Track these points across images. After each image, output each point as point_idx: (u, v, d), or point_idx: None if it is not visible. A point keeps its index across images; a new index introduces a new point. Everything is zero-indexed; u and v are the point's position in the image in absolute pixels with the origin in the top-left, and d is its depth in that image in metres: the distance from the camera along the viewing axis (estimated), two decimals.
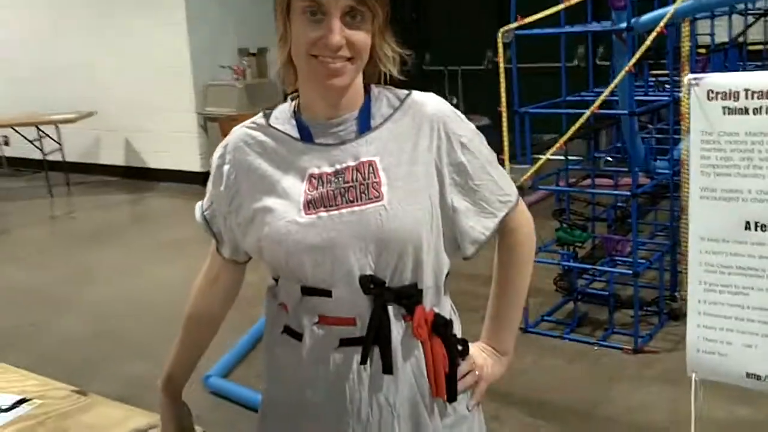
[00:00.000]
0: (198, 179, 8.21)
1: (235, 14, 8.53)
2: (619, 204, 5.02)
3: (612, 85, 3.75)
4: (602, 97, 3.77)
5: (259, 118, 1.50)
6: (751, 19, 5.40)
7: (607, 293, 4.39)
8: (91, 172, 9.36)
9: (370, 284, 1.36)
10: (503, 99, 4.04)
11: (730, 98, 2.78)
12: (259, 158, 1.44)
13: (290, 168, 1.41)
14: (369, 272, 1.36)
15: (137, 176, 8.92)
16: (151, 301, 5.03)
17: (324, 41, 1.31)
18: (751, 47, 5.58)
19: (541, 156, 3.92)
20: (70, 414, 1.78)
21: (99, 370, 4.14)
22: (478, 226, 1.45)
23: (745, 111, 2.75)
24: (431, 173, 1.41)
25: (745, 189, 2.63)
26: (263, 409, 1.56)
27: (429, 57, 9.17)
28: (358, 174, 1.38)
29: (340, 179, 1.38)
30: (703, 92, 2.90)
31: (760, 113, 2.69)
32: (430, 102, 1.46)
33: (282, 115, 1.47)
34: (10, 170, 10.00)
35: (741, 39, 5.34)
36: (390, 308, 1.38)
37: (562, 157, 4.58)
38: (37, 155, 8.88)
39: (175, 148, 8.57)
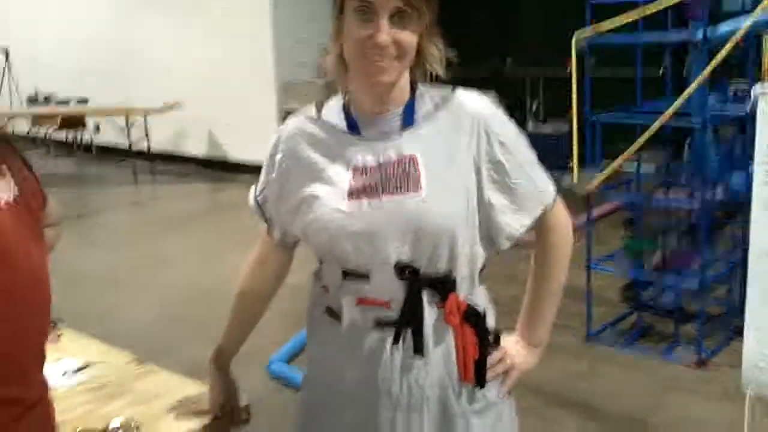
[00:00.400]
0: None
1: (318, 12, 8.67)
2: (691, 217, 4.93)
3: (684, 95, 3.71)
4: (673, 107, 3.73)
5: (311, 110, 1.59)
6: None
7: (673, 306, 4.34)
8: (175, 162, 9.70)
9: (405, 271, 1.44)
10: (575, 106, 4.04)
11: None
12: (309, 148, 1.53)
13: (337, 158, 1.50)
14: (405, 260, 1.43)
15: (218, 167, 9.18)
16: (223, 288, 5.07)
17: (372, 40, 1.39)
18: None
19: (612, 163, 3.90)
20: (129, 380, 1.89)
21: (165, 353, 4.29)
22: (514, 222, 1.51)
23: None
24: (469, 169, 1.47)
25: None
26: (304, 383, 1.66)
27: (510, 62, 9.16)
28: (400, 167, 1.46)
29: (382, 171, 1.46)
30: None
31: None
32: (472, 101, 1.52)
33: (333, 108, 1.56)
34: (100, 157, 10.42)
35: None
36: (424, 294, 1.45)
37: (634, 165, 4.54)
38: (124, 143, 9.24)
39: (256, 141, 8.64)
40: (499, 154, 1.49)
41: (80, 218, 7.62)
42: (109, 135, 9.77)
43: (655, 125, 3.73)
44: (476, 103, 1.52)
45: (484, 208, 1.49)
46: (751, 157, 4.38)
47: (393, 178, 1.45)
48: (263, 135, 8.29)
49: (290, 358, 4.07)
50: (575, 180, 4.06)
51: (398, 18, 1.40)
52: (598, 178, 3.97)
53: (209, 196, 8.23)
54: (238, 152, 9.04)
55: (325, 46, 6.14)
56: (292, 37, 8.59)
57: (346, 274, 1.48)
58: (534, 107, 8.85)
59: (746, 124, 4.38)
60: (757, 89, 2.81)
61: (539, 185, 1.54)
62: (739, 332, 4.26)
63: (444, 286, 1.47)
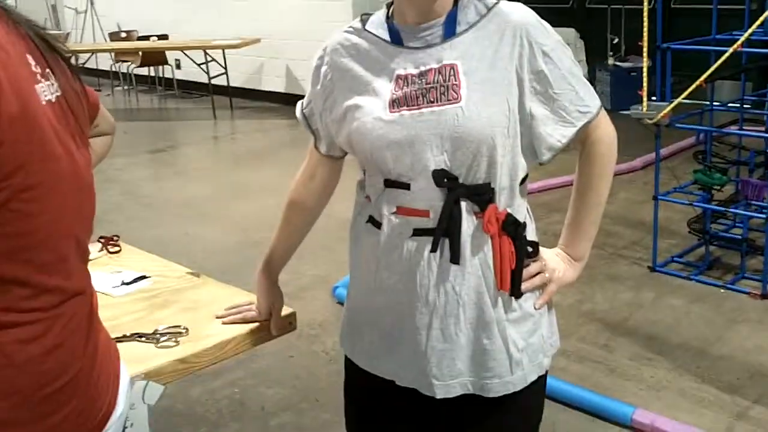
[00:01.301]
0: None
1: None
2: (765, 150, 4.84)
3: (759, 20, 3.62)
4: (747, 34, 3.65)
5: (356, 22, 1.63)
6: None
7: (740, 238, 4.30)
8: (253, 98, 9.84)
9: (444, 179, 1.46)
10: (645, 35, 3.97)
11: None
12: (352, 60, 1.57)
13: (380, 69, 1.54)
14: (444, 168, 1.46)
15: (296, 103, 9.15)
16: None
17: None
18: None
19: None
20: (182, 290, 1.99)
21: (237, 273, 4.46)
22: (556, 133, 1.51)
23: None
24: (511, 79, 1.48)
25: None
26: (348, 290, 1.73)
27: None
28: (440, 76, 1.48)
29: (423, 80, 1.49)
30: None
31: None
32: (516, 10, 1.52)
33: (377, 20, 1.59)
34: (180, 92, 10.68)
35: None
36: (463, 204, 1.48)
37: (706, 97, 4.47)
38: (204, 79, 9.43)
39: None
40: (542, 64, 1.49)
41: (162, 151, 7.90)
42: (190, 71, 9.96)
43: (729, 51, 3.65)
44: (520, 13, 1.52)
45: (525, 118, 1.49)
46: None
47: (432, 87, 1.47)
48: None
49: None
50: (644, 110, 4.01)
51: None
52: (668, 108, 3.93)
53: (286, 132, 8.34)
54: None
55: None
56: None
57: (388, 183, 1.52)
58: (615, 41, 8.63)
59: None
60: None
61: (582, 96, 1.54)
62: None
63: (483, 195, 1.48)
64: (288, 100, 9.43)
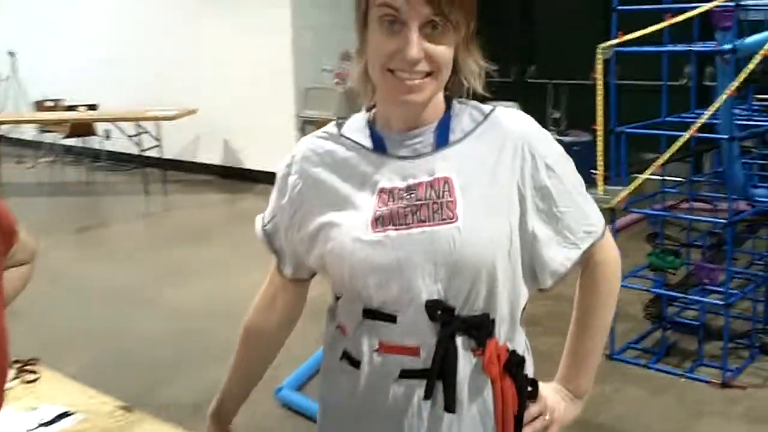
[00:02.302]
0: None
1: (340, 17, 8.53)
2: (715, 231, 4.81)
3: (712, 108, 3.60)
4: (701, 120, 3.62)
5: (331, 127, 1.44)
6: None
7: (697, 323, 4.22)
8: (188, 171, 9.57)
9: (438, 311, 1.28)
10: (600, 117, 3.92)
11: None
12: (327, 169, 1.39)
13: (360, 180, 1.35)
14: (438, 298, 1.29)
15: (234, 176, 9.03)
16: (239, 305, 4.96)
17: (401, 54, 1.25)
18: None
19: (638, 176, 3.79)
20: (112, 431, 1.76)
21: (177, 372, 4.19)
22: (560, 256, 1.36)
23: None
24: (512, 195, 1.32)
25: None
26: None
27: (533, 69, 8.98)
28: (432, 191, 1.31)
29: (412, 195, 1.31)
30: None
31: None
32: (515, 119, 1.38)
33: (355, 125, 1.42)
34: (109, 164, 10.30)
35: None
36: (458, 339, 1.30)
37: (659, 178, 4.44)
38: (135, 150, 9.11)
39: (273, 149, 8.47)
40: (546, 179, 1.34)
41: (88, 230, 7.53)
42: (120, 142, 9.64)
43: (685, 137, 3.61)
44: (519, 122, 1.37)
45: (527, 239, 1.33)
46: None
47: (424, 204, 1.30)
48: (281, 143, 8.20)
49: (303, 384, 3.92)
50: (600, 192, 3.94)
51: (431, 29, 1.25)
52: (624, 192, 3.85)
53: (224, 207, 8.11)
54: (254, 161, 8.89)
55: (346, 52, 6.01)
56: (313, 42, 8.46)
57: (368, 314, 1.33)
58: (556, 116, 8.68)
59: None
60: None
61: (588, 214, 1.39)
62: (764, 351, 4.17)
63: (482, 329, 1.31)
64: (225, 173, 9.25)
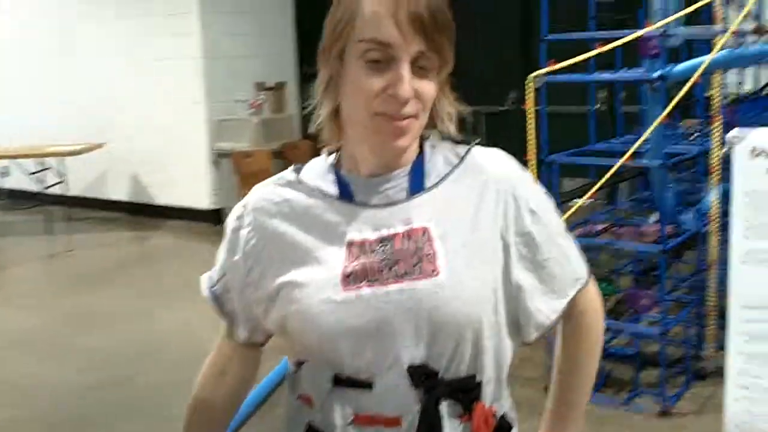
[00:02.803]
0: (208, 217, 8.03)
1: (253, 47, 8.42)
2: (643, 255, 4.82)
3: (645, 135, 3.58)
4: (634, 147, 3.60)
5: (288, 173, 1.30)
6: None
7: (632, 351, 4.18)
8: (95, 208, 9.14)
9: (421, 376, 1.15)
10: (533, 147, 3.87)
11: None
12: (286, 220, 1.24)
13: (325, 232, 1.21)
14: (419, 362, 1.16)
15: (144, 213, 8.70)
16: (155, 350, 4.79)
17: (391, 91, 1.13)
18: None
19: (568, 204, 3.75)
20: None
21: (93, 428, 3.93)
22: (545, 307, 1.25)
23: None
24: (495, 244, 1.21)
25: None
26: None
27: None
28: (409, 242, 1.18)
29: (387, 248, 1.18)
30: (747, 149, 2.71)
31: None
32: (494, 159, 1.27)
33: (316, 170, 1.28)
34: (9, 203, 9.75)
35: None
36: (443, 405, 1.17)
37: (582, 200, 4.43)
38: (37, 188, 8.67)
39: (185, 184, 8.36)
40: (530, 225, 1.24)
41: None
42: (19, 179, 9.15)
43: (617, 165, 3.58)
44: (499, 162, 1.27)
45: (511, 290, 1.23)
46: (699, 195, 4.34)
47: (401, 258, 1.17)
48: (193, 177, 7.91)
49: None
50: None
51: (419, 65, 1.14)
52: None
53: (134, 246, 7.75)
54: (165, 196, 8.58)
55: (259, 82, 5.80)
56: (225, 73, 8.24)
57: (339, 381, 1.18)
58: (477, 142, 8.68)
59: (698, 163, 4.32)
60: (732, 135, 2.66)
61: (572, 260, 1.30)
62: (699, 376, 4.17)
63: (468, 393, 1.19)
64: (135, 209, 8.87)
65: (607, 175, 3.63)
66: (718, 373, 4.13)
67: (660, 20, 3.61)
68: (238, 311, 1.31)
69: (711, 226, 4.02)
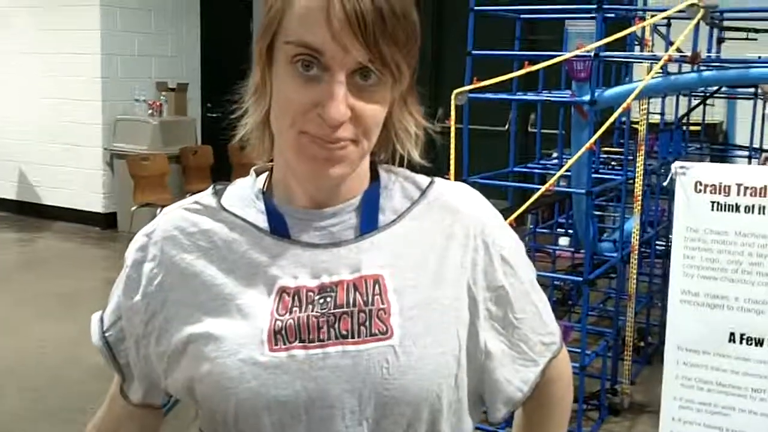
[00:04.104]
0: (99, 221, 7.70)
1: (155, 45, 8.10)
2: (557, 283, 4.73)
3: (572, 160, 3.44)
4: (561, 172, 3.47)
5: (206, 196, 1.04)
6: (695, 101, 5.25)
7: None
8: None
9: None
10: (452, 166, 3.69)
11: (720, 192, 2.46)
12: (202, 257, 0.99)
13: (251, 275, 0.97)
14: None
15: (30, 213, 8.25)
16: (26, 367, 4.33)
17: (320, 110, 0.89)
18: (692, 128, 5.44)
19: None
20: None
21: None
22: (516, 378, 1.04)
23: (736, 208, 2.43)
24: (462, 300, 0.99)
25: (732, 296, 2.31)
26: None
27: None
28: (357, 294, 0.95)
29: (328, 300, 0.95)
30: (691, 183, 2.56)
31: (753, 212, 2.38)
32: (463, 197, 1.04)
33: (241, 195, 1.02)
34: None
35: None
36: None
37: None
38: None
39: (76, 184, 7.96)
40: (502, 277, 1.02)
41: None
42: None
43: (541, 190, 3.43)
44: (468, 201, 1.04)
45: (476, 356, 1.01)
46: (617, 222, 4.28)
47: (345, 313, 0.94)
48: (86, 177, 7.47)
49: None
50: None
51: (361, 78, 0.90)
52: None
53: (16, 249, 7.23)
54: (54, 196, 8.13)
55: (161, 82, 5.43)
56: (124, 70, 7.87)
57: None
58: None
59: (621, 192, 4.26)
60: (677, 167, 2.53)
61: (546, 320, 1.08)
62: (612, 411, 4.07)
63: None
64: (21, 209, 8.40)
65: (531, 200, 3.48)
66: (633, 410, 4.07)
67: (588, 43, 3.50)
68: (133, 365, 1.05)
69: (631, 257, 3.94)
